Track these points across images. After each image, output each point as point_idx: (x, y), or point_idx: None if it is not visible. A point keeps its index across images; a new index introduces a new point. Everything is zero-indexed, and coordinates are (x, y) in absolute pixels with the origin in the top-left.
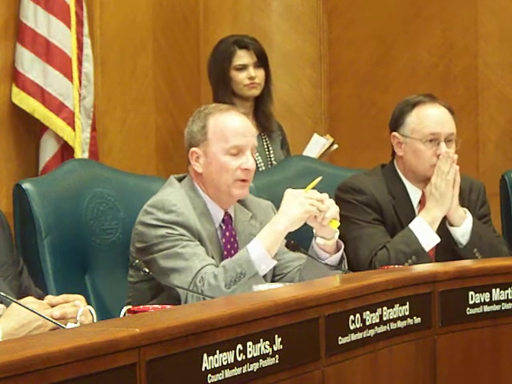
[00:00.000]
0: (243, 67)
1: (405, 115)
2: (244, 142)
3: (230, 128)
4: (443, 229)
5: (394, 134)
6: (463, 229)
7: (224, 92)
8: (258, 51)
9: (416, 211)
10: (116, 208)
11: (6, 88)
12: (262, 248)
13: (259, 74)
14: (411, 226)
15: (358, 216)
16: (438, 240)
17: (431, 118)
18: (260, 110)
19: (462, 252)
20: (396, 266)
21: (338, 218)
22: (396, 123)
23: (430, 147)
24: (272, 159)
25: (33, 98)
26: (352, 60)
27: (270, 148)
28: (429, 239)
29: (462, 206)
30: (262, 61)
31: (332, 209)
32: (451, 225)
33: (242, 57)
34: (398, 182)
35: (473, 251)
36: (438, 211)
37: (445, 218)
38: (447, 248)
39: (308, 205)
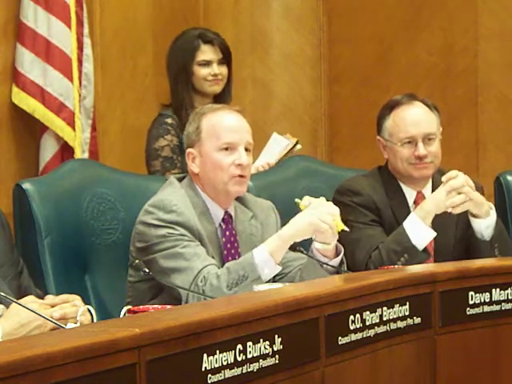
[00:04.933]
0: (207, 63)
1: (383, 119)
2: (236, 139)
3: (221, 125)
4: (453, 223)
5: (378, 137)
6: (488, 221)
7: (184, 87)
8: (224, 47)
9: (412, 211)
10: (116, 208)
11: (6, 88)
12: (267, 252)
13: (223, 71)
14: (404, 223)
15: (356, 218)
16: (433, 235)
17: (406, 120)
18: None
19: (481, 245)
20: (395, 267)
21: (339, 219)
22: (378, 127)
23: (408, 148)
24: None
25: (33, 98)
26: (352, 60)
27: None
28: (422, 236)
29: None
30: (226, 57)
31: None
32: (476, 217)
33: (207, 52)
34: (394, 183)
35: (494, 246)
36: (431, 206)
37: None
38: (448, 244)
39: (317, 219)
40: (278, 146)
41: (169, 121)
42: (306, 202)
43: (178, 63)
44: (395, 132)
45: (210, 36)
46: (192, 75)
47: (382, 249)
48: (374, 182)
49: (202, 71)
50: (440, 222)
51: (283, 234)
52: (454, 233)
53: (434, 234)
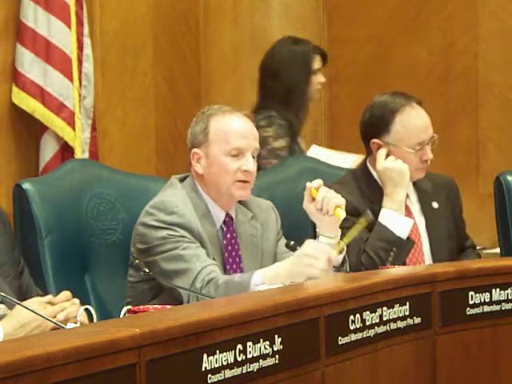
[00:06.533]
0: (317, 71)
1: (388, 124)
2: (245, 145)
3: (231, 130)
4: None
5: (375, 140)
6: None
7: (303, 93)
8: (325, 57)
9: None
10: (116, 208)
11: (6, 88)
12: (261, 282)
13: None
14: (380, 219)
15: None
16: (411, 222)
17: (417, 126)
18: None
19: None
20: (389, 266)
21: (343, 207)
22: (376, 130)
23: (417, 153)
24: None
25: (33, 98)
26: (352, 60)
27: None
28: (402, 227)
29: (437, 200)
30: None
31: (331, 198)
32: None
33: (319, 62)
34: (374, 185)
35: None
36: (399, 194)
37: None
38: (443, 234)
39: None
40: (337, 160)
41: (283, 122)
42: (315, 183)
43: (296, 74)
44: (406, 138)
45: (320, 49)
46: (310, 85)
47: (369, 251)
48: (350, 189)
49: (315, 79)
50: (432, 212)
51: (282, 270)
52: (447, 224)
53: (412, 221)
